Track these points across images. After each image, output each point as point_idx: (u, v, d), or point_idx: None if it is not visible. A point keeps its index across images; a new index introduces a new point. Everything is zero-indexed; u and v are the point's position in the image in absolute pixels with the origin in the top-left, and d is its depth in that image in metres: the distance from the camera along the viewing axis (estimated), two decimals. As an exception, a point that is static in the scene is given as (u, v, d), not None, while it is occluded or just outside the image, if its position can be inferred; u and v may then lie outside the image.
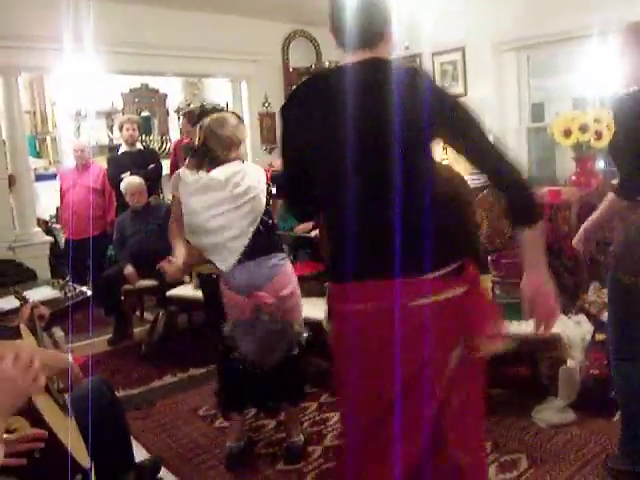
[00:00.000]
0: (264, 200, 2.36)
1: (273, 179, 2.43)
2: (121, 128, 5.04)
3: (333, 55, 5.51)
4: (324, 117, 1.51)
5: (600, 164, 3.87)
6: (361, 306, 1.47)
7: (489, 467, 2.26)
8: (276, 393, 2.52)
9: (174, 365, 3.68)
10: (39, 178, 6.04)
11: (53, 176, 6.12)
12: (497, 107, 5.02)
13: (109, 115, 6.92)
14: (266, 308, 2.35)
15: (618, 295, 2.10)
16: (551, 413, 2.63)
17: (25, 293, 2.70)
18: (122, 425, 2.12)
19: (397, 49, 1.56)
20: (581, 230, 2.22)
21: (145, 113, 7.13)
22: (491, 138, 1.46)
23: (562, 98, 5.11)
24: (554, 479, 2.23)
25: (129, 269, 4.10)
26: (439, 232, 1.45)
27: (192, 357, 3.73)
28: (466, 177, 2.30)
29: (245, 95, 5.96)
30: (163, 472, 2.43)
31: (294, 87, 1.67)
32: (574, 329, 2.68)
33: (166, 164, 5.48)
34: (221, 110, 2.55)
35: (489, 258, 2.89)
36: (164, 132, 7.34)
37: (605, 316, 2.35)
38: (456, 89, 5.18)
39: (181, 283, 3.82)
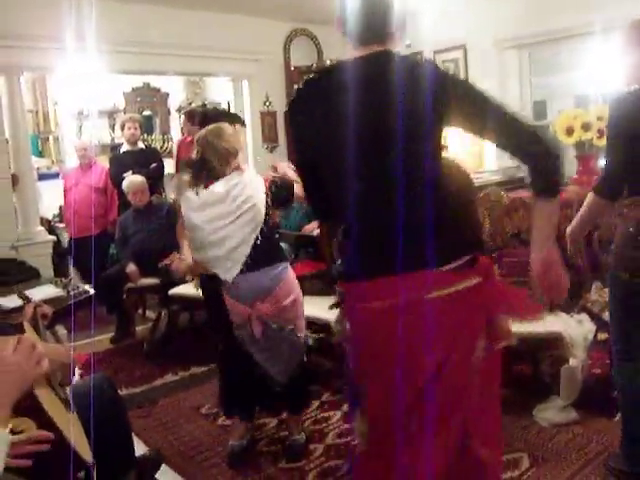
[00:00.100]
0: (263, 210, 2.35)
1: (272, 187, 2.41)
2: (123, 127, 5.04)
3: (334, 53, 5.51)
4: (326, 115, 1.51)
5: (602, 162, 3.86)
6: (390, 301, 1.47)
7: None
8: (280, 399, 2.54)
9: (176, 363, 3.69)
10: (42, 177, 6.05)
11: (56, 175, 6.15)
12: (499, 105, 5.02)
13: (111, 114, 6.93)
14: (271, 318, 2.37)
15: (618, 293, 2.10)
16: (553, 412, 2.63)
17: (28, 292, 2.71)
18: (124, 423, 2.11)
19: (399, 46, 1.56)
20: (567, 232, 2.21)
21: (147, 112, 7.13)
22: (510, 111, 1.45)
23: (564, 96, 5.08)
24: (556, 478, 2.23)
25: (131, 267, 4.12)
26: (453, 224, 1.47)
27: (194, 355, 3.74)
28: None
29: (246, 94, 5.96)
30: (165, 470, 2.43)
31: (297, 87, 1.67)
32: (576, 328, 2.68)
33: (168, 163, 5.49)
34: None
35: (491, 256, 2.89)
36: (166, 131, 7.34)
37: (607, 315, 2.35)
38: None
39: (183, 282, 3.82)
